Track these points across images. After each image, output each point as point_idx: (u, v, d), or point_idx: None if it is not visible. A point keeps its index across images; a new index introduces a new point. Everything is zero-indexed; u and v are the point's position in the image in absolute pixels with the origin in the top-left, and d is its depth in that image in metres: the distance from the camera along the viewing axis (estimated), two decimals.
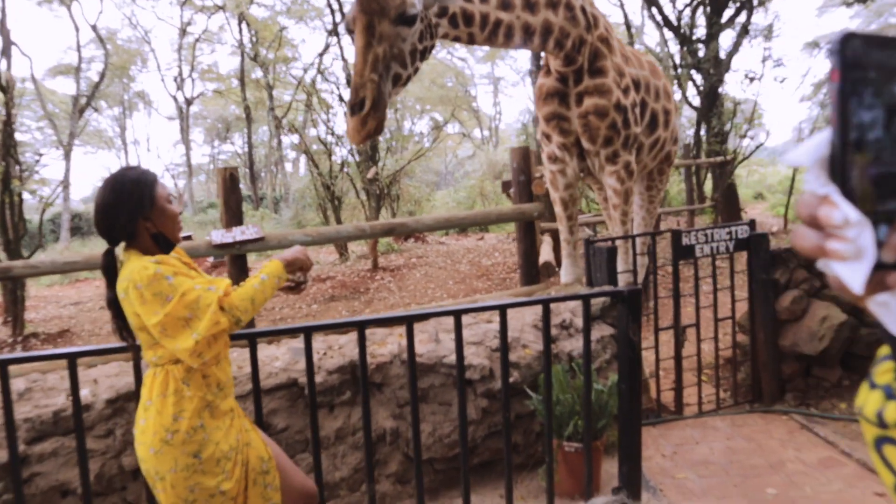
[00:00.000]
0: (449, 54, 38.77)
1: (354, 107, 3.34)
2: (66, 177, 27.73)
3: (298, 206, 22.62)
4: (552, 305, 4.33)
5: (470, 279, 11.15)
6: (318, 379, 3.52)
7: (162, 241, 2.31)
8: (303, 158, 39.37)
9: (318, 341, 3.83)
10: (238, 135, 45.88)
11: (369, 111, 3.31)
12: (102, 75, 29.48)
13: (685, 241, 4.91)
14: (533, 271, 5.63)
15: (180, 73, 35.66)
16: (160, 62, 51.94)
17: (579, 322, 4.12)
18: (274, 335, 2.70)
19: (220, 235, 4.81)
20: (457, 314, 2.90)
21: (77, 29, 30.10)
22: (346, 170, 15.48)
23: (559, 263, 6.01)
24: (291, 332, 2.69)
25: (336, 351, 3.72)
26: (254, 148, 36.72)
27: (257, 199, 33.62)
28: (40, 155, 29.41)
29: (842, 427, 4.75)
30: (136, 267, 2.15)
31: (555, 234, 9.04)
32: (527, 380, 3.81)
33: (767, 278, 5.14)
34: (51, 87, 33.52)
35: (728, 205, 14.53)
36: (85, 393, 3.34)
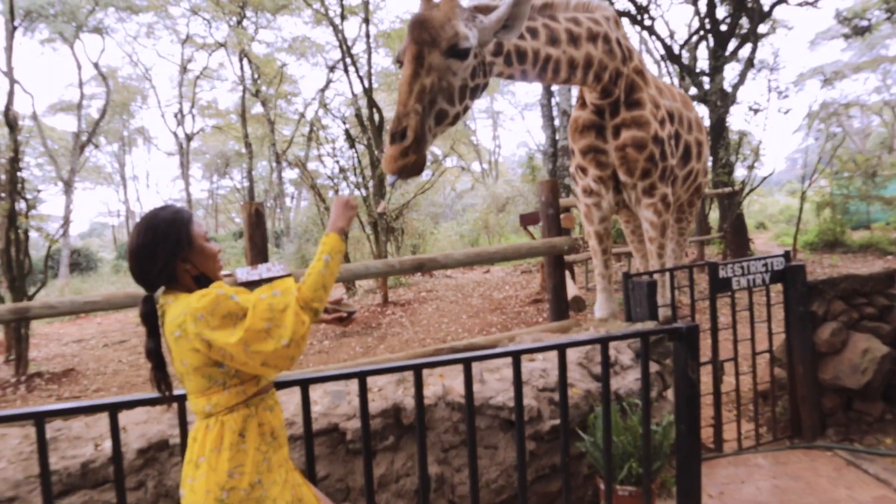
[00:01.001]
0: None
1: (395, 135, 3.20)
2: (67, 213, 27.62)
3: (301, 240, 22.50)
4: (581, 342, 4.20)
5: (483, 313, 10.98)
6: (359, 424, 3.36)
7: (204, 283, 2.17)
8: (304, 193, 39.50)
9: (355, 383, 3.67)
10: (237, 170, 45.97)
11: (411, 144, 3.18)
12: (104, 112, 29.56)
13: (722, 273, 4.78)
14: (563, 306, 5.49)
15: (180, 110, 35.79)
16: (160, 99, 52.18)
17: (624, 359, 3.97)
18: (327, 381, 2.54)
19: (245, 273, 4.67)
20: (515, 355, 2.75)
21: (79, 66, 30.13)
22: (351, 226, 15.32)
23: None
24: (345, 378, 2.53)
25: (377, 394, 3.56)
26: (254, 182, 36.71)
27: None
28: (39, 191, 29.46)
29: (891, 463, 4.58)
30: (191, 300, 2.00)
31: (568, 266, 8.94)
32: (574, 420, 3.65)
33: (805, 310, 5.00)
34: (51, 124, 33.59)
35: (736, 235, 14.48)
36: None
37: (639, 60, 4.59)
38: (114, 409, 2.38)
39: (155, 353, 2.14)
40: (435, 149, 38.43)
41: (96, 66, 28.54)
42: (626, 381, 3.81)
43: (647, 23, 13.58)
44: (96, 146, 35.47)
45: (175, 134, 37.67)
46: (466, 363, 2.68)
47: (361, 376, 2.55)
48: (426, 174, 20.66)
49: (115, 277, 25.67)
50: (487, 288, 13.61)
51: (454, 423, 3.49)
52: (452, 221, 31.48)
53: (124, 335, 13.18)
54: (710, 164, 13.81)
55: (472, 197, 39.95)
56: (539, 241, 5.36)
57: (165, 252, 2.09)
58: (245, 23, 27.56)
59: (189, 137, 36.90)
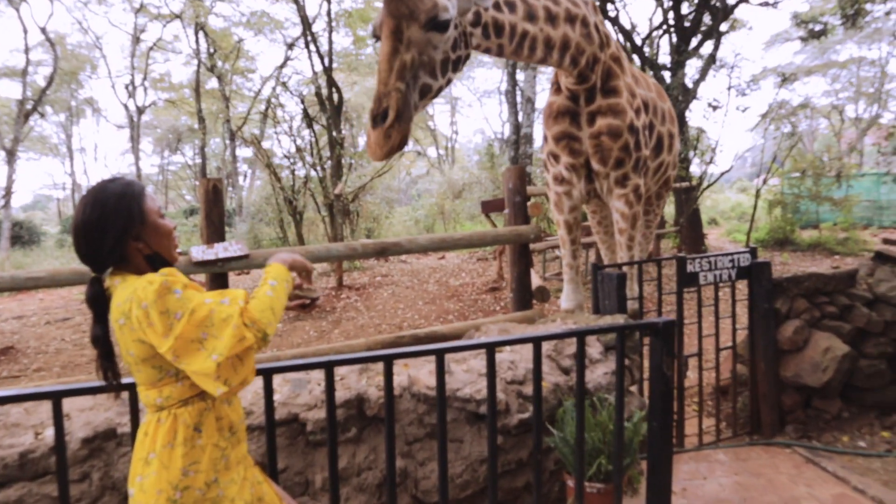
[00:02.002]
0: None
1: (377, 118, 3.03)
2: (9, 184, 26.59)
3: (255, 220, 22.07)
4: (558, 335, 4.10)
5: (440, 300, 10.86)
6: (321, 415, 3.20)
7: (158, 262, 1.96)
8: (257, 172, 38.80)
9: (317, 372, 3.50)
10: (189, 146, 44.93)
11: (393, 123, 3.01)
12: (50, 80, 28.47)
13: (690, 268, 4.74)
14: (527, 296, 5.39)
15: (132, 81, 34.71)
16: (111, 69, 50.60)
17: (593, 353, 3.88)
18: (292, 370, 2.37)
19: (200, 252, 4.44)
20: (489, 346, 2.62)
21: (25, 31, 29.00)
22: (308, 185, 15.11)
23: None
24: (312, 367, 2.37)
25: (339, 383, 3.40)
26: (207, 160, 35.88)
27: None
28: None
29: (848, 461, 4.61)
30: (139, 284, 1.80)
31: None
32: (542, 414, 3.54)
33: (769, 307, 5.00)
34: None
35: (692, 230, 14.63)
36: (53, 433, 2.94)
37: (616, 48, 4.49)
38: (57, 397, 2.18)
39: (102, 341, 1.93)
40: None
41: (43, 31, 27.42)
42: (595, 375, 3.72)
43: (612, 14, 13.55)
44: (42, 115, 34.20)
45: (126, 106, 36.53)
46: (439, 354, 2.54)
47: (329, 366, 2.39)
48: None
49: (59, 252, 24.80)
50: (443, 274, 13.50)
51: (419, 415, 3.35)
52: (408, 206, 31.27)
53: (68, 312, 12.69)
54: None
55: (427, 182, 39.78)
56: (505, 228, 5.24)
57: (115, 229, 1.88)
58: None
59: (140, 110, 35.83)
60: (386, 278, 13.55)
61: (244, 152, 35.33)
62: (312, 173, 15.38)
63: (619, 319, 3.94)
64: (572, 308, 4.82)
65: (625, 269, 4.72)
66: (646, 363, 4.68)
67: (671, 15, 14.33)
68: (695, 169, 14.45)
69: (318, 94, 15.95)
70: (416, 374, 3.49)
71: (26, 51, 27.42)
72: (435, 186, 30.35)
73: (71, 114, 41.50)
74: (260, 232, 21.16)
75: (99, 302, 1.92)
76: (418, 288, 12.15)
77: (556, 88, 4.57)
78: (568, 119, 4.49)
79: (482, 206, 10.44)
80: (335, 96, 15.79)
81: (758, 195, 15.21)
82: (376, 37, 3.24)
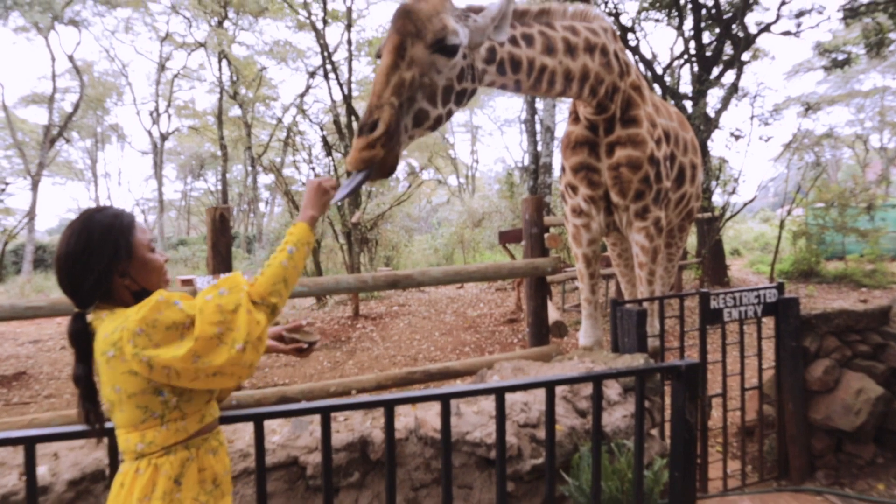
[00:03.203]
0: None
1: (363, 127, 2.86)
2: (33, 207, 26.83)
3: (274, 246, 22.05)
4: (572, 379, 3.91)
5: (456, 331, 10.67)
6: (321, 458, 3.03)
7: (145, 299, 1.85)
8: (278, 198, 39.00)
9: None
10: (212, 172, 45.31)
11: (380, 137, 2.83)
12: (76, 106, 28.85)
13: (714, 304, 4.54)
14: (543, 330, 5.21)
15: (156, 108, 35.15)
16: (136, 96, 51.32)
17: (611, 394, 3.68)
18: (285, 416, 2.22)
19: (205, 282, 4.32)
20: (499, 392, 2.45)
21: (53, 58, 29.53)
22: (327, 212, 15.05)
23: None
24: (306, 413, 2.22)
25: (342, 424, 3.23)
26: (228, 186, 36.13)
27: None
28: (6, 184, 28.66)
29: None
30: (129, 313, 1.69)
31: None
32: (557, 460, 3.35)
33: (797, 346, 4.77)
34: (22, 116, 32.77)
35: (714, 261, 14.37)
36: (42, 471, 2.80)
37: (636, 76, 4.35)
38: (31, 443, 2.04)
39: (84, 380, 1.80)
40: (412, 160, 38.26)
41: (71, 58, 27.84)
42: (613, 418, 3.53)
43: (633, 43, 13.45)
44: (67, 140, 34.62)
45: (150, 133, 37.00)
46: (444, 400, 2.37)
47: (325, 412, 2.23)
48: (402, 185, 20.37)
49: None
50: (461, 305, 13.32)
51: (426, 459, 3.18)
52: (427, 235, 31.19)
53: None
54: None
55: (447, 211, 39.71)
56: (521, 261, 5.08)
57: (100, 264, 1.76)
58: (226, 24, 27.14)
59: (164, 137, 36.24)
60: (403, 308, 13.39)
61: (265, 179, 35.55)
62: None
63: (639, 359, 3.75)
64: (590, 345, 4.63)
65: (645, 304, 4.53)
66: (667, 399, 4.49)
67: (692, 44, 14.21)
68: (717, 199, 14.22)
69: (336, 121, 15.94)
70: (424, 415, 3.32)
71: (53, 78, 27.85)
72: (455, 215, 30.25)
73: (97, 140, 42.10)
74: None
75: (82, 338, 1.80)
76: (435, 318, 11.98)
77: (575, 118, 4.43)
78: (586, 150, 4.34)
79: (500, 236, 10.28)
80: (354, 124, 15.77)
81: (782, 226, 14.92)
82: (379, 56, 3.11)
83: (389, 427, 2.29)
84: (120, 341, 1.67)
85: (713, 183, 13.65)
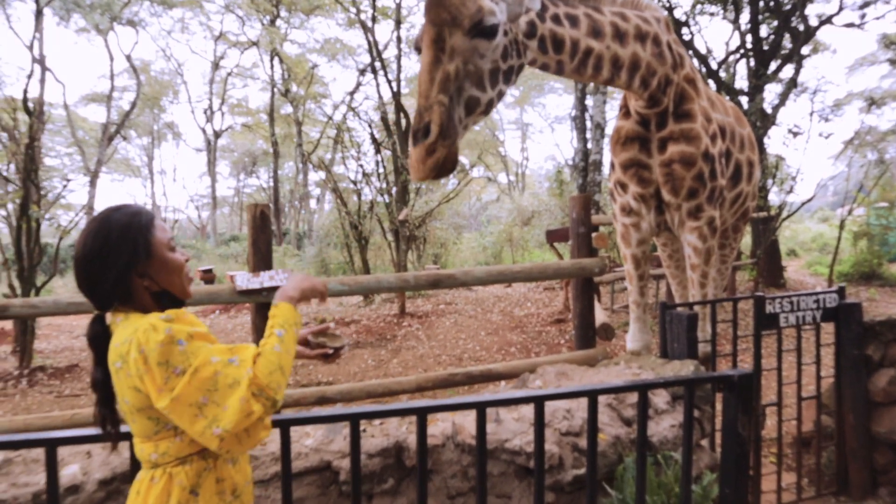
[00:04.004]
0: None
1: (417, 133, 2.75)
2: (91, 203, 27.57)
3: (323, 243, 22.18)
4: (622, 382, 3.75)
5: (503, 330, 10.53)
6: (351, 466, 2.94)
7: (167, 300, 1.78)
8: (328, 195, 39.30)
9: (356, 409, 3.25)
10: (264, 169, 45.96)
11: (437, 139, 2.74)
12: (133, 105, 29.55)
13: (769, 308, 4.31)
14: (590, 333, 5.04)
15: (210, 106, 35.78)
16: (191, 94, 52.35)
17: (659, 402, 3.51)
18: (312, 423, 2.12)
19: (245, 280, 4.27)
20: (538, 401, 2.32)
21: (111, 58, 30.25)
22: (374, 210, 15.06)
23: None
24: (334, 420, 2.11)
25: (377, 428, 3.14)
26: (279, 183, 36.59)
27: (280, 234, 33.35)
28: (68, 180, 29.54)
29: None
30: (141, 325, 1.60)
31: (595, 287, 8.46)
32: (600, 471, 3.19)
33: (859, 354, 4.51)
34: (83, 115, 33.71)
35: (770, 262, 13.93)
36: (74, 470, 2.77)
37: (691, 68, 4.15)
38: (52, 445, 1.98)
39: (101, 385, 1.73)
40: (462, 158, 38.18)
41: (128, 58, 28.52)
42: (661, 427, 3.35)
43: (687, 38, 13.09)
44: (125, 138, 35.50)
45: (203, 130, 37.67)
46: (480, 408, 2.24)
47: (353, 419, 2.13)
48: (451, 182, 20.28)
49: None
50: (508, 304, 13.16)
51: (464, 466, 3.06)
52: (476, 233, 31.06)
53: None
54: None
55: (497, 209, 39.52)
56: (567, 261, 4.92)
57: (118, 264, 1.69)
58: (278, 22, 27.42)
59: (217, 134, 36.89)
60: (449, 306, 13.29)
61: (316, 176, 35.85)
62: (379, 198, 15.34)
63: (689, 366, 3.57)
64: (639, 349, 4.45)
65: (696, 308, 4.33)
66: (718, 406, 4.29)
67: (749, 38, 13.76)
68: (773, 198, 13.76)
69: (383, 118, 15.93)
70: (462, 421, 3.20)
71: (112, 77, 28.59)
72: (504, 213, 30.07)
73: (153, 137, 43.06)
74: (328, 256, 21.24)
75: (100, 342, 1.73)
76: (481, 317, 11.85)
77: (625, 112, 4.25)
78: (637, 145, 4.16)
79: (547, 235, 10.09)
80: (403, 121, 15.74)
81: (842, 226, 14.37)
82: (418, 49, 2.98)
83: (422, 436, 2.18)
84: (128, 354, 1.60)
85: (769, 181, 13.21)
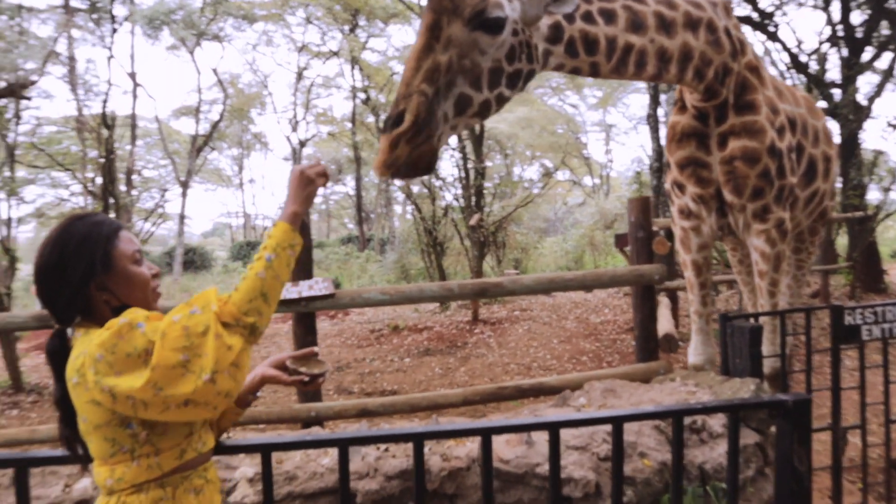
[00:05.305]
0: (560, 101, 38.10)
1: (388, 121, 2.51)
2: (182, 212, 28.60)
3: (403, 249, 22.21)
4: (674, 400, 3.43)
5: (577, 338, 10.18)
6: (374, 486, 2.76)
7: None
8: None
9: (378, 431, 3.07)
10: (350, 176, 46.69)
11: (406, 132, 2.47)
12: (220, 117, 30.52)
13: (848, 319, 3.87)
14: (651, 345, 4.72)
15: (294, 116, 36.58)
16: (277, 105, 53.78)
17: (714, 426, 3.18)
18: (294, 448, 1.95)
19: (284, 289, 4.16)
20: (552, 427, 2.07)
21: (199, 72, 31.32)
22: (451, 215, 14.91)
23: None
24: (320, 445, 1.94)
25: (399, 448, 2.94)
26: (366, 189, 37.02)
27: (363, 240, 33.73)
28: (165, 190, 30.77)
29: None
30: (94, 336, 1.52)
31: (671, 294, 8.03)
32: (644, 501, 2.90)
33: None
34: (176, 127, 35.06)
35: (868, 265, 12.98)
36: (86, 484, 2.71)
37: (753, 55, 3.78)
38: (22, 466, 1.88)
39: (62, 403, 1.64)
40: (546, 161, 37.65)
41: (215, 72, 29.48)
42: (716, 453, 3.03)
43: (771, 29, 12.37)
44: (214, 149, 36.73)
45: (289, 139, 38.54)
46: (485, 435, 2.02)
47: (342, 445, 1.94)
48: (535, 187, 19.91)
49: (222, 277, 26.27)
50: (585, 310, 12.75)
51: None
52: (559, 237, 30.54)
53: None
54: (838, 184, 12.43)
55: (582, 212, 38.85)
56: (624, 268, 4.61)
57: (74, 277, 1.60)
58: (358, 31, 27.73)
59: (302, 143, 37.67)
60: (524, 312, 13.00)
61: (399, 181, 36.04)
62: (455, 203, 15.18)
63: (749, 385, 3.21)
64: (701, 363, 4.10)
65: (764, 319, 3.95)
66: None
67: (840, 27, 12.89)
68: (872, 196, 12.83)
69: None
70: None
71: (199, 90, 29.64)
72: (587, 218, 29.49)
73: (242, 148, 44.42)
74: (408, 262, 21.25)
75: (58, 358, 1.64)
76: (556, 325, 11.51)
77: (680, 106, 3.92)
78: (694, 142, 3.82)
79: (616, 239, 9.69)
80: (477, 126, 15.53)
81: None
82: None
83: (419, 463, 1.97)
84: (82, 367, 1.51)
85: (866, 178, 12.33)
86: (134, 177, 24.47)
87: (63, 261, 1.60)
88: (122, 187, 21.92)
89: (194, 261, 31.77)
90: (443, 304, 14.34)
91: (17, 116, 16.76)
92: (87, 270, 1.61)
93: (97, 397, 1.49)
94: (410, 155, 2.46)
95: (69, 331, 1.68)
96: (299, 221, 1.70)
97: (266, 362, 1.89)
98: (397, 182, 17.45)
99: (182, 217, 28.38)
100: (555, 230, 41.00)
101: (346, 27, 27.20)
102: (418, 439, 1.97)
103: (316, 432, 3.20)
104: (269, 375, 1.86)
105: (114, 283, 1.65)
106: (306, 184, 1.73)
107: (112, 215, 9.78)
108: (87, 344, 1.54)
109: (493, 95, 2.73)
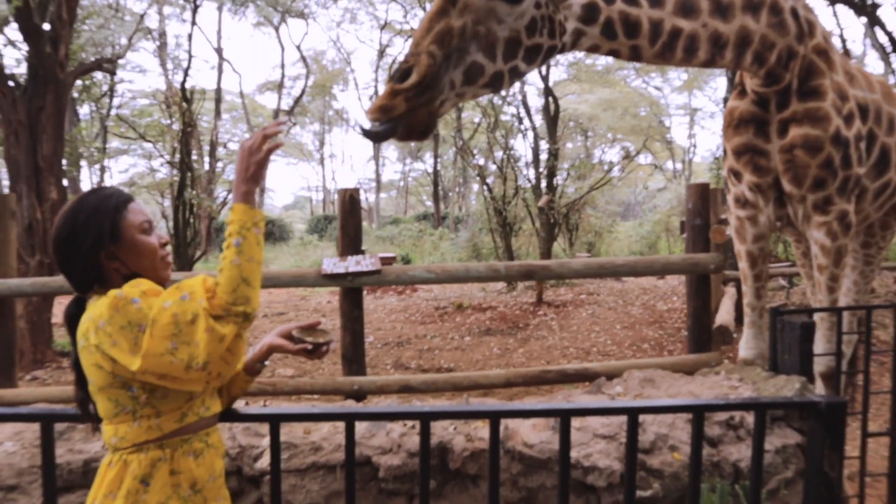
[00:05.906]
0: (644, 83, 37.17)
1: (394, 74, 2.45)
2: (264, 185, 29.31)
3: (475, 228, 22.23)
4: (713, 394, 3.33)
5: (640, 325, 9.99)
6: (397, 461, 2.78)
7: None
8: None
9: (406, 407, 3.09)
10: (429, 154, 46.93)
11: (410, 88, 2.39)
12: (302, 92, 31.07)
13: None
14: (704, 336, 4.57)
15: (376, 93, 36.92)
16: (358, 82, 54.34)
17: (753, 423, 3.06)
18: (301, 420, 1.98)
19: (331, 265, 4.23)
20: (564, 414, 2.03)
21: (283, 49, 31.98)
22: (522, 195, 14.82)
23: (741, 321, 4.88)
24: (328, 419, 1.96)
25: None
26: (444, 167, 37.14)
27: (438, 218, 33.87)
28: None
29: None
30: (99, 302, 1.60)
31: (737, 285, 7.76)
32: (671, 495, 2.83)
33: None
34: (261, 102, 35.93)
35: None
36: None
37: (823, 37, 3.58)
38: (47, 421, 1.97)
39: (77, 365, 1.73)
40: (627, 144, 36.91)
41: (298, 48, 29.99)
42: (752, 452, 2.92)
43: (870, 10, 11.70)
44: (295, 124, 37.46)
45: None
46: (494, 418, 2.00)
47: (349, 419, 1.96)
48: (615, 170, 19.55)
49: (298, 249, 26.88)
50: (653, 297, 12.48)
51: (513, 475, 2.82)
52: (636, 221, 29.95)
53: (286, 307, 13.42)
54: None
55: (662, 197, 37.97)
56: (678, 256, 4.48)
57: (85, 247, 1.68)
58: None
59: None
60: (591, 297, 12.82)
61: (473, 161, 36.01)
62: (526, 184, 15.09)
63: (795, 383, 3.09)
64: (752, 357, 3.95)
65: (820, 315, 3.78)
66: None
67: None
68: None
69: (524, 102, 15.63)
70: (517, 426, 2.94)
71: (283, 66, 30.29)
72: (664, 203, 28.81)
73: (324, 123, 45.18)
74: (479, 240, 21.26)
75: (74, 322, 1.73)
76: (621, 310, 11.32)
77: (740, 91, 3.74)
78: (752, 129, 3.65)
79: (681, 226, 9.43)
80: (552, 106, 15.34)
81: None
82: None
83: (424, 442, 1.97)
84: (87, 332, 1.60)
85: None
86: (219, 149, 25.21)
87: (74, 232, 1.69)
88: (206, 159, 22.73)
89: (273, 233, 32.57)
90: (509, 284, 14.30)
91: (112, 90, 17.56)
92: (96, 240, 1.68)
93: (99, 361, 1.58)
94: (407, 114, 2.42)
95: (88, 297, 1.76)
96: (253, 198, 1.68)
97: (274, 332, 1.93)
98: (481, 160, 17.48)
99: (263, 190, 29.09)
100: (634, 214, 40.25)
101: (428, 5, 27.18)
102: (425, 419, 1.97)
103: (350, 405, 3.24)
104: (276, 344, 1.90)
105: (123, 252, 1.72)
106: (248, 156, 1.68)
107: (188, 187, 10.15)
108: (93, 310, 1.61)
109: (506, 67, 2.64)
